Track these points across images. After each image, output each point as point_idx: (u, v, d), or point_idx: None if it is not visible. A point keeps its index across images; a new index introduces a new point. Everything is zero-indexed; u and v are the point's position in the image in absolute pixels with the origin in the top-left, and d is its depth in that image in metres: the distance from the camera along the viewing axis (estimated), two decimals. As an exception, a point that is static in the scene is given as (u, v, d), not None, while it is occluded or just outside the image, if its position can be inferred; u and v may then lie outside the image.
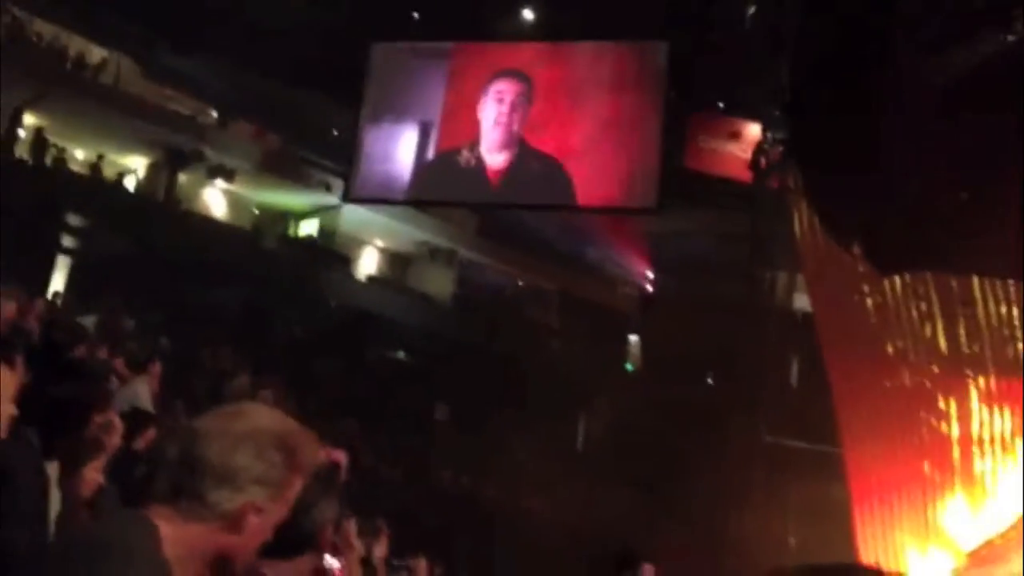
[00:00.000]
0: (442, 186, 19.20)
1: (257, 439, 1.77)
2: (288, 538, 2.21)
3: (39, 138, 19.99)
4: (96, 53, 21.24)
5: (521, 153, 17.72)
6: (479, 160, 18.13)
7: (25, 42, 19.54)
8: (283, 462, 1.79)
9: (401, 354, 23.07)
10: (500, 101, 18.32)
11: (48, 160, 19.82)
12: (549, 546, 12.81)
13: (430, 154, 19.21)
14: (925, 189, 8.24)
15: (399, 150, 19.27)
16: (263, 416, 1.84)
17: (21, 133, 20.09)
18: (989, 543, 7.86)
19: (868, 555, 8.55)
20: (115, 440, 3.45)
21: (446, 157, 18.73)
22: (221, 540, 1.75)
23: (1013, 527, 7.73)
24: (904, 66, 8.45)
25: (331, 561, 2.71)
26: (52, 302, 13.18)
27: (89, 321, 8.98)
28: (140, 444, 4.58)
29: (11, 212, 13.29)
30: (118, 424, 3.46)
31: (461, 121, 18.56)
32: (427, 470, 17.08)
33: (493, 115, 18.27)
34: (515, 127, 18.06)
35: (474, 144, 18.31)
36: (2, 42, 18.55)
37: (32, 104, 19.47)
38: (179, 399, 8.54)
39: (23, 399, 3.03)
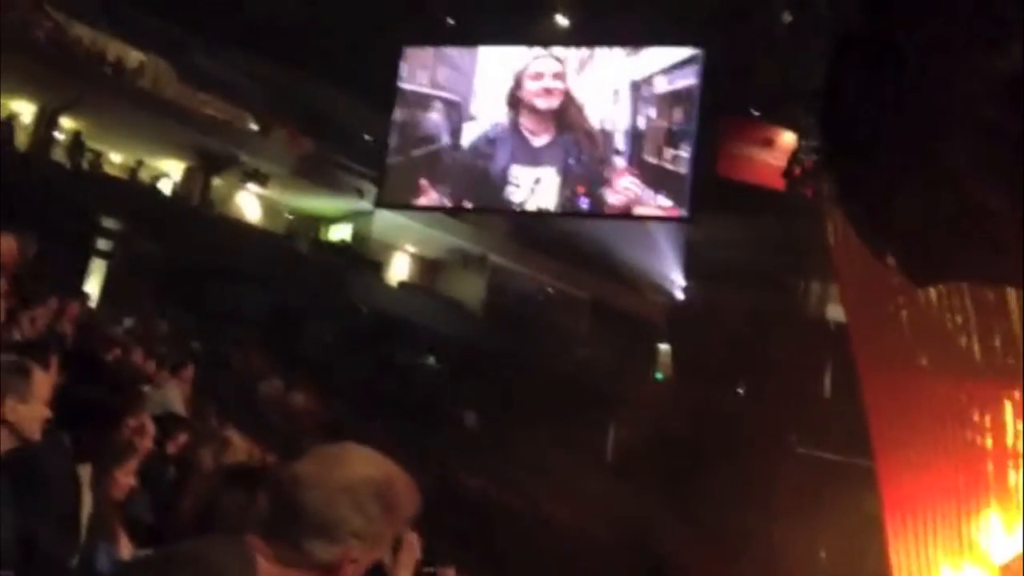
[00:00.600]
0: (475, 191, 19.24)
1: (357, 490, 1.74)
2: None
3: (76, 141, 20.22)
4: (134, 57, 21.46)
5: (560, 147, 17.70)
6: (508, 167, 18.14)
7: (63, 45, 19.77)
8: (382, 514, 1.76)
9: (431, 360, 23.09)
10: (537, 77, 18.19)
11: (84, 163, 20.04)
12: (577, 555, 12.76)
13: (462, 159, 19.26)
14: (962, 199, 8.13)
15: (430, 155, 19.33)
16: (364, 464, 1.79)
17: (58, 136, 20.34)
18: (1020, 557, 7.73)
19: (900, 570, 8.45)
20: (147, 443, 3.47)
21: (479, 162, 18.78)
22: None
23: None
24: (948, 64, 8.33)
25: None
26: (86, 305, 13.32)
27: (127, 324, 9.07)
28: (172, 449, 4.61)
29: (47, 215, 13.46)
30: (150, 428, 3.48)
31: (493, 127, 18.60)
32: (455, 476, 17.06)
33: (534, 94, 18.18)
34: (556, 108, 18.00)
35: (507, 147, 18.33)
36: (41, 45, 18.81)
37: (69, 107, 19.71)
38: (211, 402, 8.59)
39: (56, 401, 3.05)
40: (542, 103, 18.09)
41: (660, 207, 18.48)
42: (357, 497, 1.73)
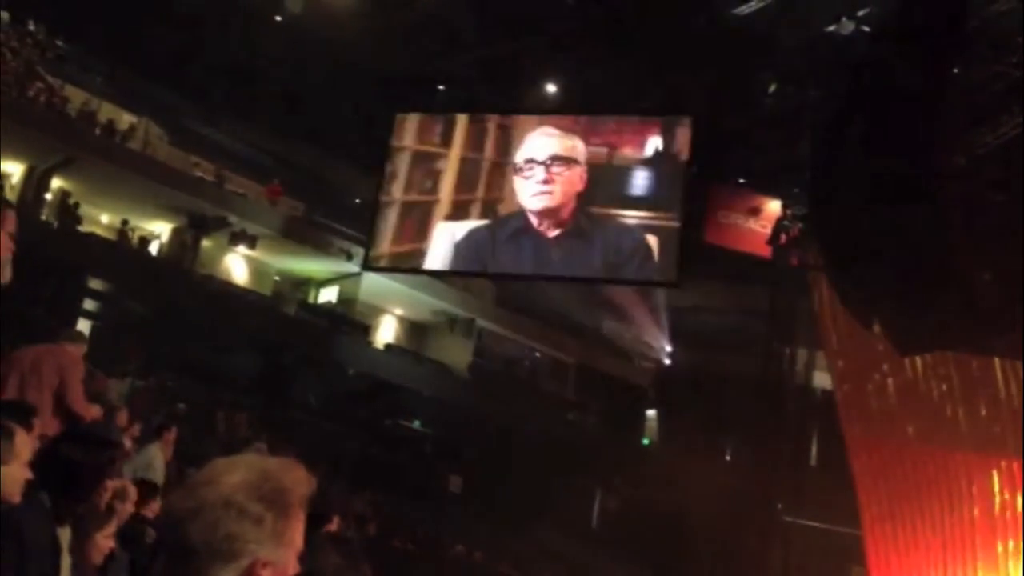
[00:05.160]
0: (462, 257, 19.28)
1: (234, 499, 1.67)
2: None
3: (65, 201, 20.27)
4: (125, 119, 21.64)
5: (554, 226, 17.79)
6: (504, 231, 18.19)
7: (55, 106, 19.93)
8: (270, 509, 1.69)
9: (417, 424, 22.97)
10: (531, 164, 18.39)
11: (73, 224, 20.07)
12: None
13: (449, 223, 19.35)
14: (946, 270, 8.21)
15: (418, 219, 19.40)
16: (231, 472, 1.72)
17: (48, 196, 20.39)
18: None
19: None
20: (128, 507, 3.44)
21: (466, 227, 18.83)
22: None
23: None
24: (926, 146, 8.48)
25: None
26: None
27: (121, 386, 9.01)
28: (149, 513, 4.56)
29: (35, 275, 13.44)
30: (132, 491, 3.45)
31: (479, 190, 18.71)
32: (440, 542, 16.87)
33: (526, 187, 18.35)
34: (554, 190, 18.12)
35: (495, 215, 18.43)
36: (33, 105, 18.96)
37: (60, 168, 19.80)
38: (193, 466, 8.50)
39: (38, 462, 3.02)
40: (539, 204, 18.27)
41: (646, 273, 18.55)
42: (236, 507, 1.66)
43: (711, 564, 12.38)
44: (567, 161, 18.90)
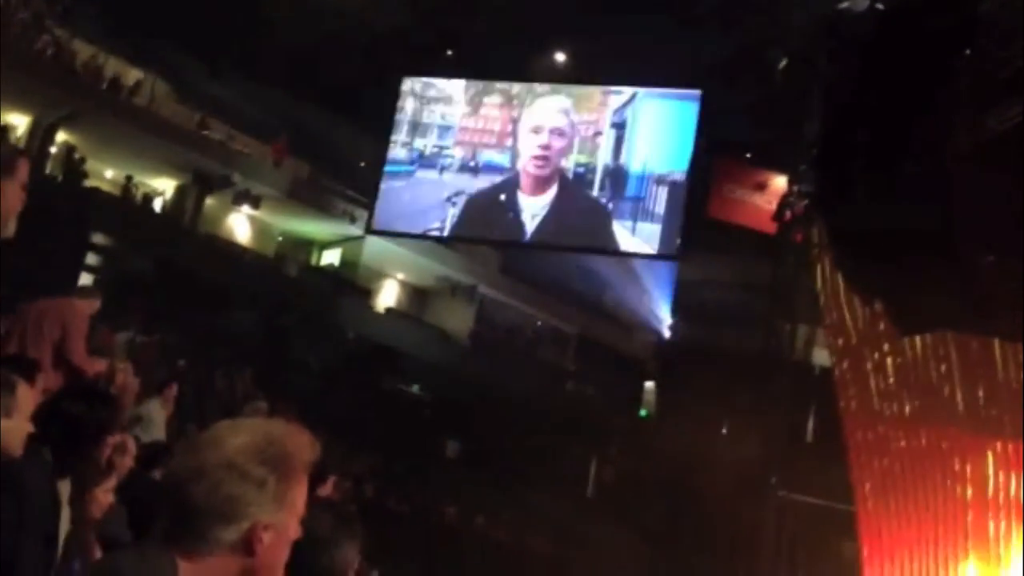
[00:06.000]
0: (470, 223, 19.30)
1: (237, 462, 1.70)
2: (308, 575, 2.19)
3: (70, 156, 20.23)
4: (132, 75, 21.54)
5: (556, 192, 17.80)
6: (511, 199, 18.22)
7: (62, 60, 19.84)
8: (272, 472, 1.72)
9: (416, 388, 23.06)
10: (537, 131, 18.41)
11: (78, 178, 20.04)
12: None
13: (456, 188, 19.33)
14: (949, 251, 8.20)
15: (425, 184, 19.39)
16: (236, 435, 1.75)
17: (53, 150, 20.35)
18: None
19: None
20: (128, 462, 3.46)
21: (475, 193, 18.84)
22: (239, 565, 1.71)
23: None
24: (937, 123, 8.44)
25: None
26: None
27: (121, 339, 9.02)
28: (159, 474, 4.59)
29: (38, 228, 13.41)
30: (131, 447, 3.47)
31: (484, 154, 18.70)
32: (435, 506, 17.00)
33: (529, 151, 18.36)
34: (552, 165, 18.15)
35: (505, 181, 18.43)
36: (39, 58, 18.87)
37: (66, 122, 19.73)
38: (193, 423, 8.56)
39: (39, 417, 3.04)
40: (537, 171, 18.26)
41: (649, 245, 18.59)
42: (239, 469, 1.69)
43: (704, 535, 12.46)
44: (572, 128, 18.86)
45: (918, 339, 8.84)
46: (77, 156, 20.29)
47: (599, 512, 16.66)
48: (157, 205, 22.82)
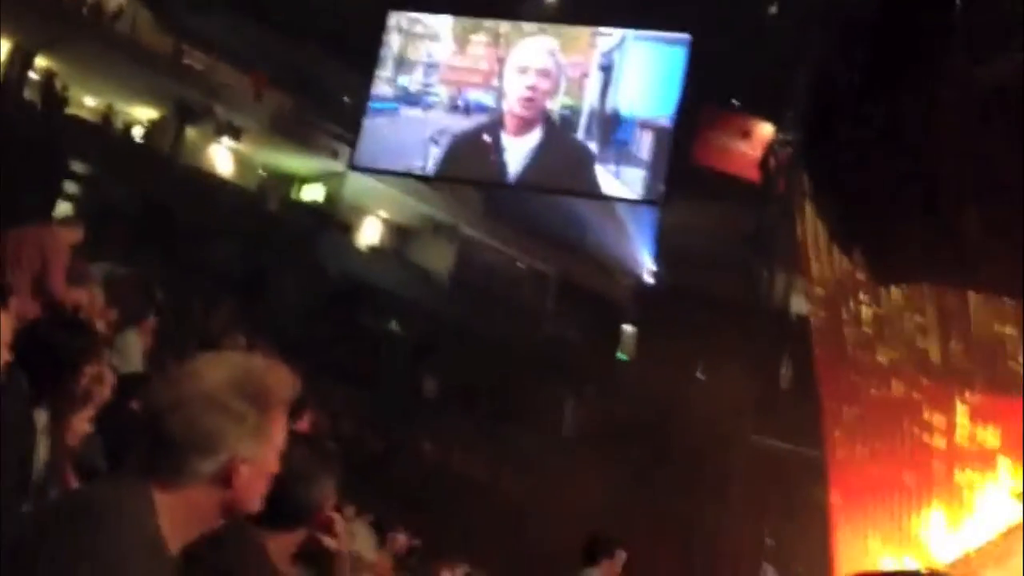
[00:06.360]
0: (453, 163, 19.20)
1: (216, 395, 1.70)
2: (285, 509, 2.21)
3: (50, 82, 19.92)
4: (113, 1, 21.14)
5: (541, 134, 17.71)
6: (495, 139, 18.11)
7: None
8: (252, 406, 1.72)
9: (394, 326, 23.08)
10: (524, 71, 18.25)
11: (58, 105, 19.76)
12: (526, 526, 12.88)
13: (441, 127, 19.19)
14: (932, 202, 8.24)
15: (409, 121, 19.23)
16: (216, 367, 1.75)
17: (32, 76, 20.02)
18: (966, 558, 7.91)
19: (842, 559, 8.61)
20: (105, 392, 3.46)
21: (459, 132, 18.72)
22: (218, 497, 1.72)
23: (991, 543, 7.78)
24: (926, 75, 8.43)
25: (330, 541, 2.69)
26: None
27: (98, 269, 8.93)
28: (136, 405, 4.59)
29: (15, 154, 13.25)
30: (109, 377, 3.47)
31: (469, 91, 18.54)
32: (412, 443, 17.13)
33: (515, 92, 18.22)
34: (538, 106, 18.03)
35: (490, 121, 18.30)
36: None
37: (46, 47, 19.39)
38: (170, 355, 8.53)
39: (17, 344, 3.03)
40: (522, 111, 18.09)
41: (633, 190, 18.57)
42: (218, 402, 1.70)
43: (678, 477, 12.65)
44: (558, 70, 18.69)
45: (895, 290, 8.92)
46: (57, 83, 19.98)
47: (574, 452, 16.83)
48: (137, 135, 22.54)
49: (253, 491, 1.77)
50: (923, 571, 6.96)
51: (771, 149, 13.71)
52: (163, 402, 1.72)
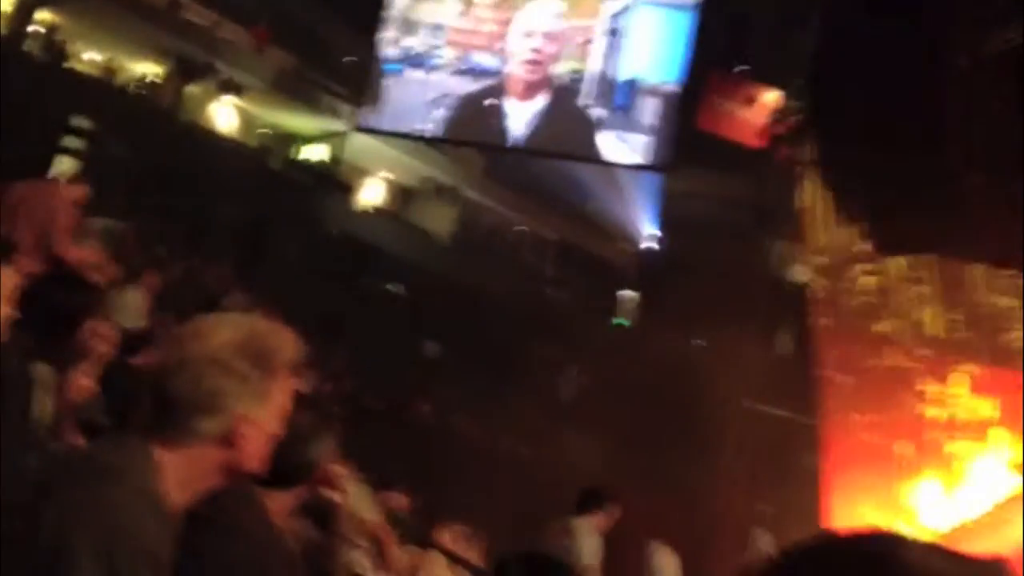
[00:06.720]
0: (456, 125, 19.11)
1: (220, 356, 1.73)
2: (284, 468, 2.23)
3: (51, 36, 19.78)
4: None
5: (546, 98, 17.60)
6: (499, 102, 18.00)
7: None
8: (256, 367, 1.75)
9: (396, 287, 23.09)
10: (529, 35, 18.12)
11: (59, 59, 19.63)
12: (525, 487, 12.96)
13: (446, 88, 19.08)
14: (939, 172, 8.21)
15: (414, 82, 19.12)
16: (220, 329, 1.78)
17: (33, 29, 19.88)
18: (961, 527, 7.98)
19: (834, 526, 8.67)
20: (106, 349, 3.48)
21: (463, 95, 18.61)
22: (220, 456, 1.75)
23: (987, 513, 7.84)
24: (935, 43, 8.37)
25: (332, 494, 2.72)
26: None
27: (98, 224, 8.93)
28: (138, 362, 4.61)
29: (16, 107, 13.19)
30: (111, 334, 3.49)
31: (480, 56, 18.41)
32: (412, 404, 17.20)
33: (520, 55, 18.07)
34: (543, 70, 17.89)
35: (495, 84, 18.18)
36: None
37: (47, 0, 19.25)
38: (171, 312, 8.55)
39: (20, 301, 3.04)
40: (527, 75, 17.91)
41: (637, 156, 18.49)
42: (223, 363, 1.72)
43: (673, 442, 12.71)
44: (564, 33, 18.53)
45: (896, 260, 8.92)
46: (58, 37, 19.84)
47: (572, 416, 16.91)
48: (139, 90, 22.41)
49: (255, 451, 1.79)
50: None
51: (776, 116, 13.62)
52: (168, 362, 1.73)
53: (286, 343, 1.83)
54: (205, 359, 1.73)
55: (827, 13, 10.57)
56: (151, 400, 1.73)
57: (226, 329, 1.78)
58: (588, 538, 6.46)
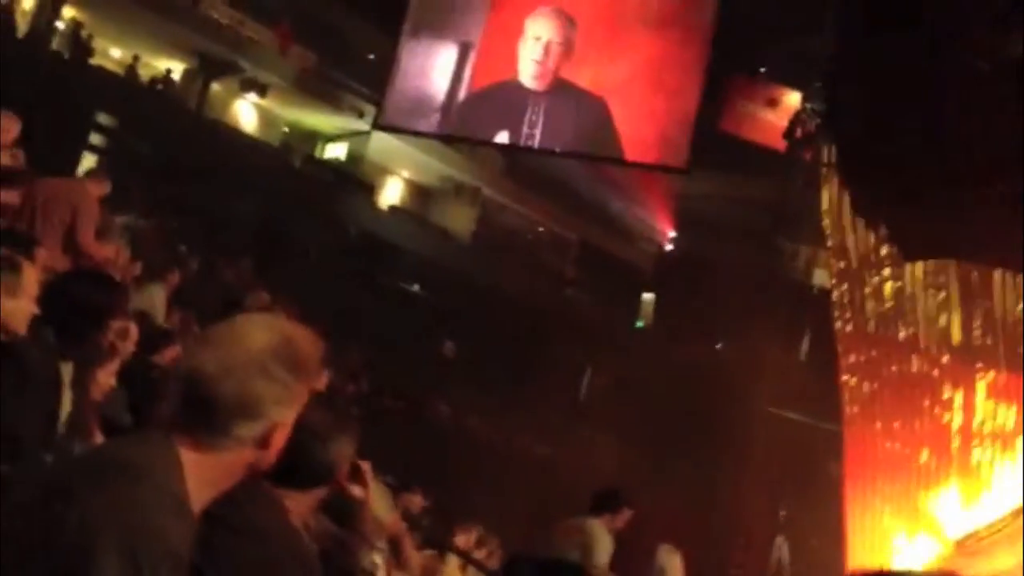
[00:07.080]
0: (476, 123, 19.07)
1: (263, 362, 1.73)
2: (306, 470, 2.24)
3: (77, 32, 19.92)
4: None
5: (560, 95, 17.52)
6: (520, 102, 17.92)
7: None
8: (290, 374, 1.75)
9: (415, 287, 23.13)
10: (538, 40, 18.06)
11: (84, 56, 19.76)
12: (542, 490, 12.94)
13: (467, 87, 19.06)
14: (961, 176, 8.15)
15: (435, 80, 19.08)
16: (260, 332, 1.78)
17: (59, 26, 20.03)
18: (976, 535, 7.91)
19: (856, 532, 8.62)
20: (129, 347, 3.49)
21: (483, 92, 18.55)
22: (250, 458, 1.76)
23: (1001, 521, 7.77)
24: (952, 47, 8.31)
25: (356, 490, 2.73)
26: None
27: (121, 222, 8.99)
28: (160, 359, 4.63)
29: (41, 104, 13.26)
30: (134, 331, 3.50)
31: (502, 54, 18.35)
32: (430, 404, 17.21)
33: (531, 56, 18.00)
34: (553, 68, 17.80)
35: (514, 81, 18.10)
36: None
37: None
38: (192, 309, 8.59)
39: (44, 297, 3.05)
40: (534, 84, 17.83)
41: (656, 156, 18.41)
42: (265, 368, 1.72)
43: (693, 446, 12.67)
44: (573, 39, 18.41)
45: (919, 266, 8.86)
46: (84, 33, 19.97)
47: (590, 418, 16.88)
48: (162, 88, 22.54)
49: (276, 450, 1.81)
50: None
51: (797, 119, 13.54)
52: (210, 366, 1.73)
53: (316, 348, 1.84)
54: (251, 364, 1.72)
55: (846, 14, 10.51)
56: (189, 402, 1.73)
57: (262, 332, 1.78)
58: (602, 538, 6.47)
